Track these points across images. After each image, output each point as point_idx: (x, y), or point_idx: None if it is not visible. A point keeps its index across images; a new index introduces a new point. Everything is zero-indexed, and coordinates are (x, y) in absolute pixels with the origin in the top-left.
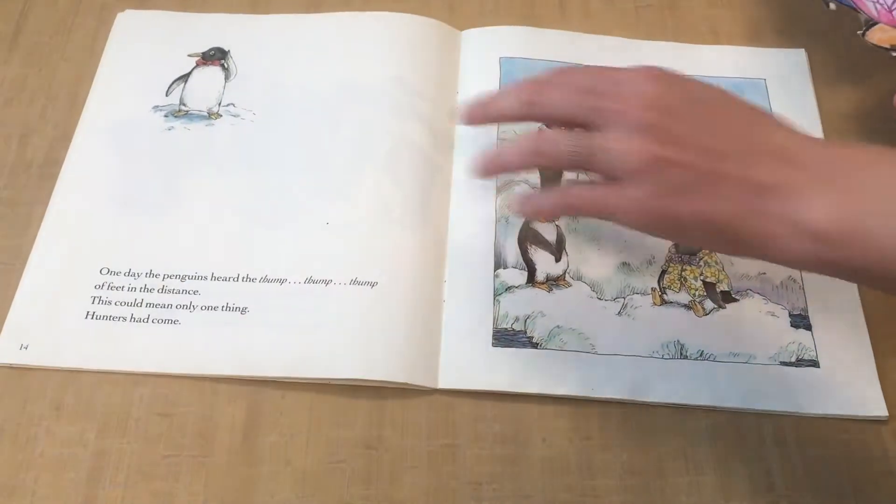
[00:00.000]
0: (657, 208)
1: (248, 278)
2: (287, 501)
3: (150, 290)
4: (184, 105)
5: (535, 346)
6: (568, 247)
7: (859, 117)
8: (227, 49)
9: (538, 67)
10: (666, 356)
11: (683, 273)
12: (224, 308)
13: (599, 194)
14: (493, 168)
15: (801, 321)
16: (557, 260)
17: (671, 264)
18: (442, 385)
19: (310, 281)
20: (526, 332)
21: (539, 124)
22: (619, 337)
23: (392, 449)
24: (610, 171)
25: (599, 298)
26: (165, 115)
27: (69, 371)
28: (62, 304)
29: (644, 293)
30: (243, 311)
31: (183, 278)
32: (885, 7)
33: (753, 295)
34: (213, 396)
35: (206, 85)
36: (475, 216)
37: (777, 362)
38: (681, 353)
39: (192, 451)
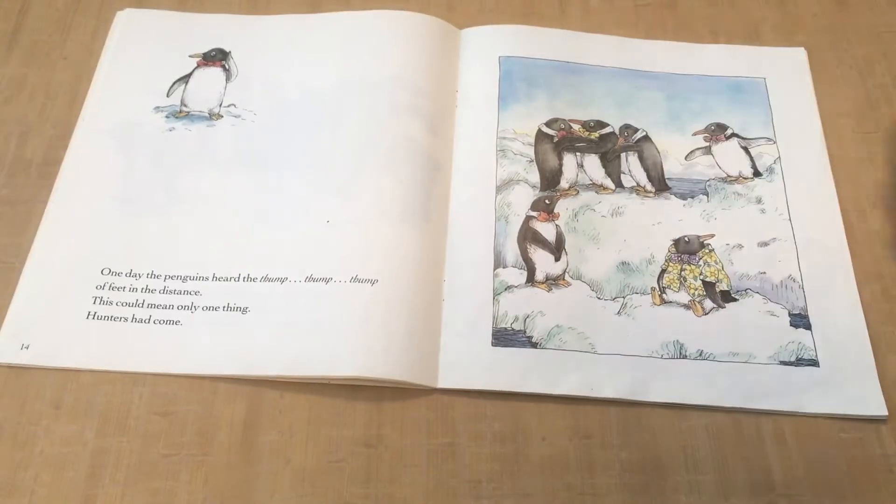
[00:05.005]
0: None
1: (248, 278)
2: (286, 500)
3: (152, 291)
4: (185, 106)
5: (534, 345)
6: (567, 246)
7: (859, 117)
8: (227, 50)
9: (538, 66)
10: (665, 356)
11: (683, 272)
12: (225, 308)
13: None
14: None
15: (800, 320)
16: (557, 259)
17: (671, 264)
18: (441, 384)
19: (310, 279)
20: (525, 332)
21: (539, 123)
22: (619, 336)
23: (391, 448)
24: None
25: (599, 298)
26: (167, 116)
27: (69, 370)
28: (63, 303)
29: (643, 293)
30: (244, 311)
31: (184, 279)
32: None
33: (753, 294)
34: (213, 395)
35: (208, 86)
36: (475, 215)
37: (777, 361)
38: (680, 353)
39: (192, 449)
